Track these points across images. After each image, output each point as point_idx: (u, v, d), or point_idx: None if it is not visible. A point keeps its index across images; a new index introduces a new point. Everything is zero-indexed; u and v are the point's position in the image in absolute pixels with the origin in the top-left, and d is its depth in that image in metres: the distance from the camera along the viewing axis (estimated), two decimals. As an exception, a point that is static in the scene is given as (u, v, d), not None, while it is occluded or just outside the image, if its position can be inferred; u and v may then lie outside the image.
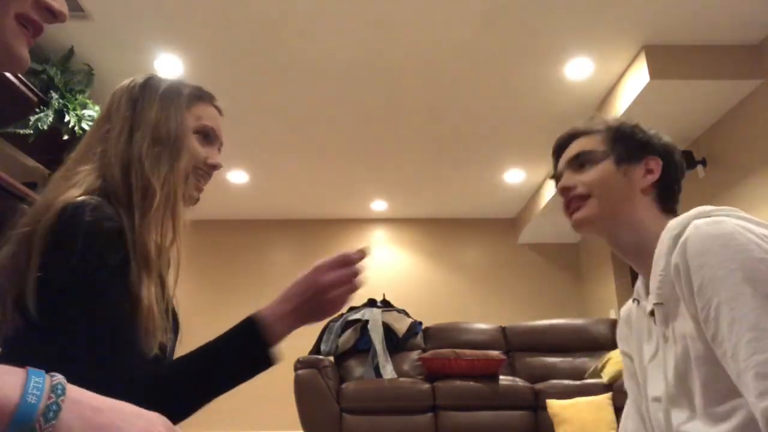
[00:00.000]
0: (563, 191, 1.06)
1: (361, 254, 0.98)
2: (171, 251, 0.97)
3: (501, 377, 3.54)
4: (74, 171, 0.98)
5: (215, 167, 1.08)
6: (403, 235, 6.24)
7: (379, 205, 5.95)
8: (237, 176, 5.12)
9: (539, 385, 3.56)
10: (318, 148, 4.69)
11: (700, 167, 4.01)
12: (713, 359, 0.81)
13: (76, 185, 0.92)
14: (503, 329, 4.30)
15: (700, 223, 0.84)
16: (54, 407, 0.42)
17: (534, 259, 6.19)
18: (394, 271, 6.07)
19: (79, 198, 0.88)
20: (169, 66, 3.56)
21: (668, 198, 1.04)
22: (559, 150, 1.13)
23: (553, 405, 3.34)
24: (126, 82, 1.07)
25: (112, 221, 0.88)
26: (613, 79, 3.76)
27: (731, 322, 0.76)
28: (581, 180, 1.04)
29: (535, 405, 3.47)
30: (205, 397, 0.91)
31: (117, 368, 0.83)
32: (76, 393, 0.45)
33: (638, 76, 3.50)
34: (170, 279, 0.99)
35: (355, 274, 0.98)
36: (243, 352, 0.92)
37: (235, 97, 3.93)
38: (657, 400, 0.93)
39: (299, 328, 0.97)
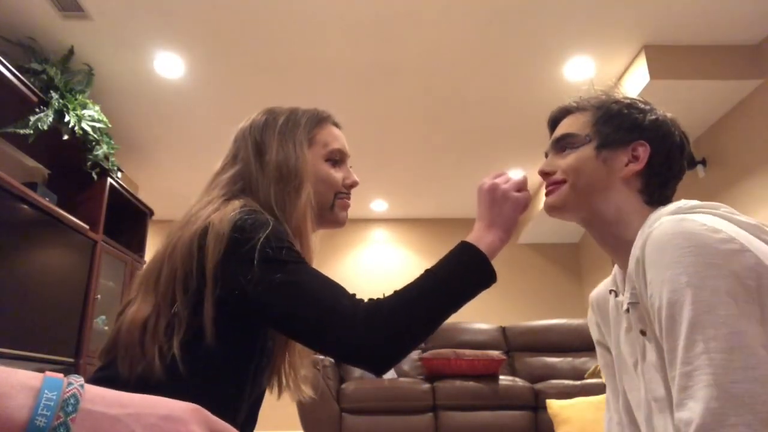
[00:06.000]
0: (541, 175, 1.02)
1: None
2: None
3: (501, 377, 3.54)
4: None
5: (353, 185, 1.12)
6: (403, 235, 6.24)
7: (379, 205, 5.95)
8: (237, 176, 5.11)
9: (539, 385, 3.55)
10: (318, 148, 4.69)
11: (700, 167, 4.01)
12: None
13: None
14: (503, 329, 4.30)
15: (667, 219, 0.80)
16: (62, 429, 0.40)
17: (534, 259, 6.19)
18: (394, 271, 6.07)
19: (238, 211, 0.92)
20: (169, 66, 3.57)
21: (655, 189, 0.94)
22: (552, 124, 1.08)
23: (553, 405, 3.34)
24: (246, 123, 1.11)
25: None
26: (613, 79, 3.76)
27: (669, 328, 0.74)
28: (560, 165, 0.98)
29: (535, 405, 3.47)
30: (432, 319, 0.90)
31: (338, 316, 0.86)
32: (91, 403, 0.43)
33: (638, 76, 3.50)
34: None
35: (508, 177, 1.04)
36: (465, 267, 0.94)
37: (235, 97, 3.93)
38: (657, 400, 0.90)
39: (509, 236, 0.99)
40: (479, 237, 0.96)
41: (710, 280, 0.72)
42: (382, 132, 4.45)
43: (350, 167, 1.14)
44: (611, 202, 0.94)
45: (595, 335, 1.10)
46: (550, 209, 1.00)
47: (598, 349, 1.09)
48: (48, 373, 0.43)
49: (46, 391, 0.41)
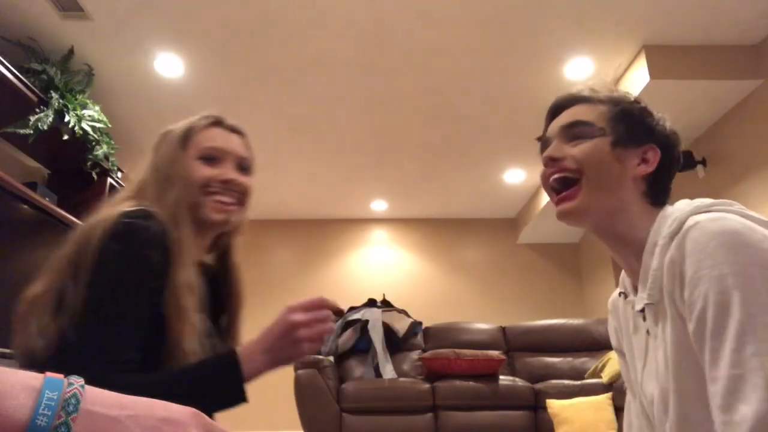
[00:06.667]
0: (550, 161, 0.95)
1: (336, 308, 1.02)
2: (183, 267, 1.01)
3: (501, 377, 3.54)
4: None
5: (227, 182, 1.12)
6: (403, 235, 6.24)
7: (379, 205, 5.95)
8: (237, 176, 5.11)
9: (539, 385, 3.56)
10: (318, 149, 4.69)
11: (700, 167, 4.01)
12: (690, 367, 0.79)
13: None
14: (503, 329, 4.29)
15: (701, 218, 0.79)
16: (63, 429, 0.40)
17: (534, 259, 6.19)
18: (394, 271, 6.07)
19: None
20: (169, 66, 3.57)
21: (659, 192, 0.95)
22: (554, 112, 1.02)
23: (553, 405, 3.34)
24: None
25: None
26: (613, 79, 3.76)
27: (716, 329, 0.73)
28: (571, 153, 0.93)
29: (535, 405, 3.47)
30: None
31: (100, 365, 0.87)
32: (92, 404, 0.43)
33: (638, 76, 3.50)
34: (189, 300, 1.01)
35: (327, 317, 1.00)
36: (217, 385, 0.94)
37: (235, 97, 3.93)
38: (652, 401, 0.92)
39: (275, 369, 0.99)
40: (251, 357, 0.95)
41: (758, 281, 0.71)
42: (382, 132, 4.45)
43: (240, 169, 1.15)
44: (621, 202, 0.92)
45: (613, 342, 1.09)
46: (571, 213, 0.94)
47: (618, 357, 1.08)
48: (48, 373, 0.43)
49: (47, 391, 0.41)
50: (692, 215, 0.83)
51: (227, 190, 1.12)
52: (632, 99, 0.98)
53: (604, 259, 5.58)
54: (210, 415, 0.95)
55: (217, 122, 1.18)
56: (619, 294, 1.02)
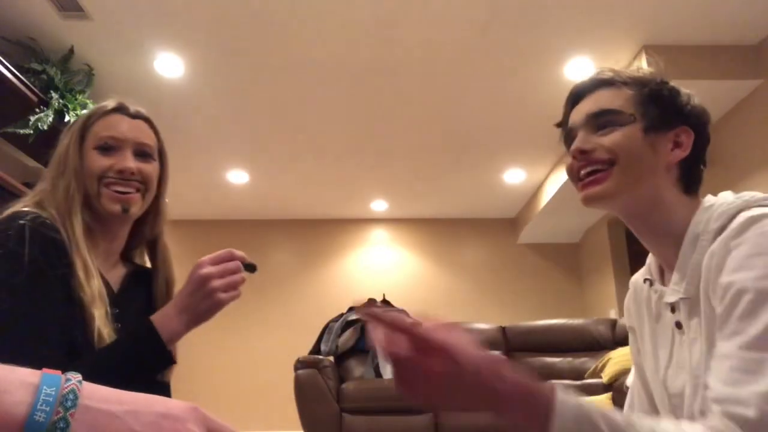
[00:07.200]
0: (580, 154, 0.89)
1: (246, 260, 1.03)
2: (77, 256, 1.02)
3: (501, 377, 3.53)
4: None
5: (123, 171, 1.09)
6: (403, 235, 6.24)
7: (379, 205, 5.95)
8: (237, 176, 5.12)
9: (539, 385, 3.55)
10: (318, 148, 4.69)
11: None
12: None
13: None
14: (503, 329, 4.29)
15: (760, 213, 0.75)
16: (61, 424, 0.40)
17: (534, 259, 6.19)
18: (394, 271, 6.07)
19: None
20: (169, 66, 3.57)
21: (693, 178, 0.91)
22: (575, 99, 0.95)
23: (553, 405, 3.33)
24: None
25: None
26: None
27: (746, 312, 0.70)
28: (602, 143, 0.87)
29: (535, 405, 3.47)
30: None
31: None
32: (90, 399, 0.43)
33: (638, 76, 3.50)
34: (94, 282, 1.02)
35: (238, 267, 1.01)
36: (141, 355, 0.96)
37: (235, 97, 3.93)
38: (677, 396, 0.88)
39: (198, 325, 1.00)
40: (166, 319, 0.97)
41: None
42: (382, 132, 4.45)
43: (139, 155, 1.14)
44: (655, 190, 0.87)
45: (627, 320, 1.06)
46: (595, 199, 0.89)
47: (630, 335, 1.05)
48: (46, 370, 0.44)
49: (44, 387, 0.42)
50: (743, 211, 0.79)
51: (123, 180, 1.09)
52: (659, 79, 0.91)
53: (604, 259, 5.58)
54: (150, 381, 0.97)
55: (117, 109, 1.15)
56: (645, 280, 0.98)
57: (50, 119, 3.04)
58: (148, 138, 1.15)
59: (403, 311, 4.41)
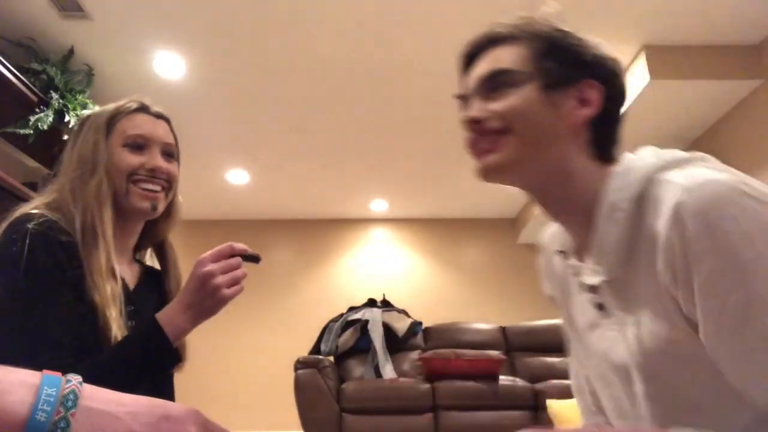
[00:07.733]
0: (471, 124, 0.79)
1: (246, 252, 1.02)
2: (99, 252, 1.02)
3: (501, 377, 3.54)
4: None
5: (154, 169, 1.11)
6: (403, 235, 6.24)
7: (379, 205, 5.95)
8: (237, 176, 5.12)
9: (539, 385, 3.55)
10: (318, 148, 4.69)
11: (700, 167, 4.01)
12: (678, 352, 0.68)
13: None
14: (503, 329, 4.29)
15: (685, 184, 0.64)
16: (62, 424, 0.41)
17: (534, 259, 6.14)
18: (394, 271, 6.07)
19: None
20: (169, 66, 3.57)
21: (607, 141, 0.78)
22: (468, 60, 0.85)
23: (553, 405, 3.34)
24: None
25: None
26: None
27: (727, 288, 0.62)
28: (494, 109, 0.77)
29: (535, 405, 3.47)
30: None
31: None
32: (89, 400, 0.43)
33: (638, 76, 3.50)
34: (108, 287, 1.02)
35: (239, 262, 1.01)
36: (148, 354, 0.97)
37: (235, 97, 3.93)
38: (616, 367, 0.79)
39: (202, 321, 1.01)
40: (172, 317, 0.98)
41: None
42: (382, 132, 4.45)
43: (165, 155, 1.14)
44: (561, 156, 0.76)
45: (547, 289, 0.97)
46: (490, 171, 0.78)
47: (556, 307, 0.95)
48: (46, 371, 0.44)
49: (45, 388, 0.42)
50: (660, 172, 0.70)
51: (154, 178, 1.11)
52: (558, 28, 0.81)
53: (604, 259, 5.57)
54: (156, 381, 0.98)
55: (142, 108, 1.17)
56: (558, 252, 0.87)
57: (50, 119, 3.04)
58: (172, 139, 1.19)
59: (403, 311, 4.43)
